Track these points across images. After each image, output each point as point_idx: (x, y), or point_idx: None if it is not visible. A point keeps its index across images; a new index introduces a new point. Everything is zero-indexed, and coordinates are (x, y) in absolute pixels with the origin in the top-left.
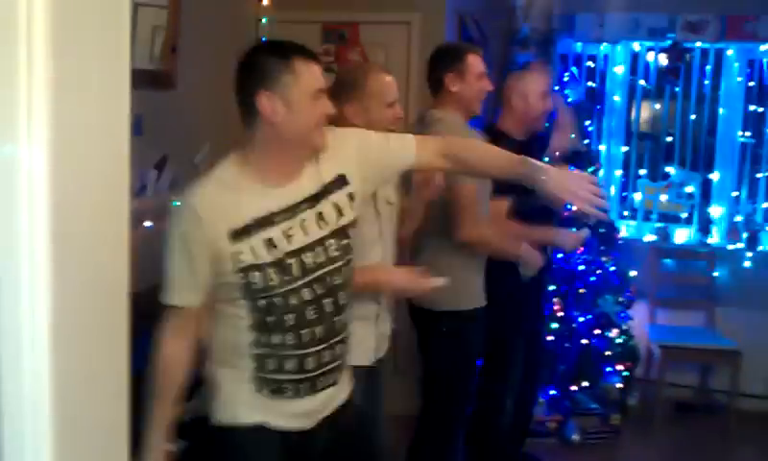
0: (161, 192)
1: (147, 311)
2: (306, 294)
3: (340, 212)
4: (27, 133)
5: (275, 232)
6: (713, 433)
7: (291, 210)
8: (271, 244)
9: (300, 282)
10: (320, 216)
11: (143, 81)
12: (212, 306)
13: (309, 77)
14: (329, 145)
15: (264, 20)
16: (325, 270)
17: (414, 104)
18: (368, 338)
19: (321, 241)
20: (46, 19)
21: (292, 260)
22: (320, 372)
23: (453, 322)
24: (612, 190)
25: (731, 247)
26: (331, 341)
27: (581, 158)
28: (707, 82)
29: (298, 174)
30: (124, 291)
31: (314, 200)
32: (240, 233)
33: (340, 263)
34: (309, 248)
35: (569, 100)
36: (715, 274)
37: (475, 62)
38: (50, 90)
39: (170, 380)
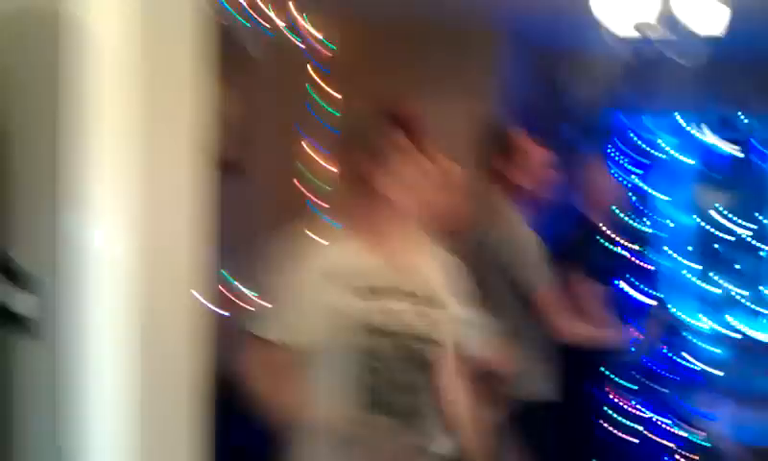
0: None
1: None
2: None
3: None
4: (116, 229)
5: (393, 303)
6: None
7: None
8: (391, 314)
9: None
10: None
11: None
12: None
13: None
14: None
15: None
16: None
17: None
18: None
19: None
20: (135, 125)
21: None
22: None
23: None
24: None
25: None
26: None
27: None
28: None
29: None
30: (203, 383)
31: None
32: (371, 293)
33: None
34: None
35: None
36: None
37: (537, 151)
38: (139, 187)
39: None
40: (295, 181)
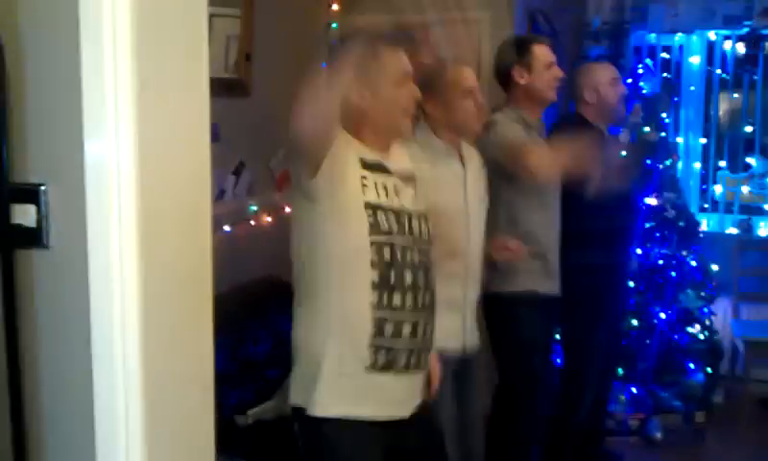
0: (240, 197)
1: (231, 312)
2: (416, 256)
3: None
4: (115, 136)
5: (389, 183)
6: None
7: (395, 175)
8: (386, 191)
9: (411, 241)
10: (413, 195)
11: (219, 89)
12: (330, 286)
13: (393, 64)
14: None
15: (335, 26)
16: (425, 245)
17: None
18: (454, 324)
19: (420, 215)
20: (130, 29)
21: (405, 217)
22: (425, 343)
23: (505, 305)
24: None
25: None
26: (431, 313)
27: (658, 150)
28: None
29: (390, 150)
30: (208, 288)
31: (409, 178)
32: (367, 165)
33: (430, 246)
34: (414, 215)
35: (644, 92)
36: None
37: (541, 52)
38: (135, 95)
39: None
40: None
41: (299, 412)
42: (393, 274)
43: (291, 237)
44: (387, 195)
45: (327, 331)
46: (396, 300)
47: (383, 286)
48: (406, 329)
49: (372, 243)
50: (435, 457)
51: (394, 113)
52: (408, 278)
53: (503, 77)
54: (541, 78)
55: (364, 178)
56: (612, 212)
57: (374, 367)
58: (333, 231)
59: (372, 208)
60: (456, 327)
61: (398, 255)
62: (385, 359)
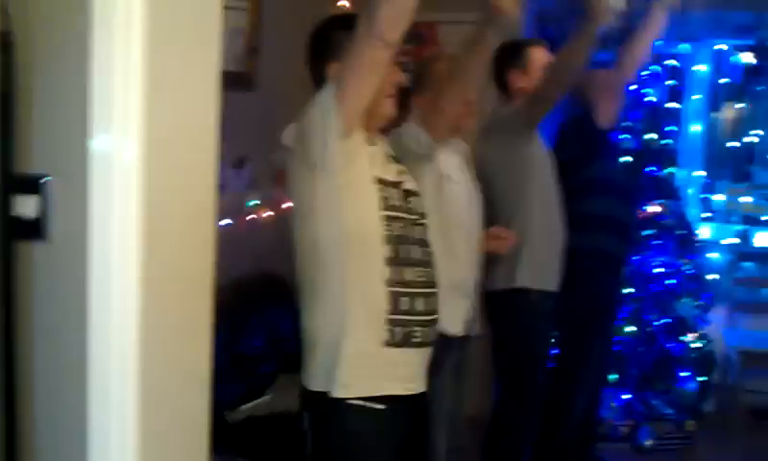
0: (239, 191)
1: (225, 306)
2: (417, 233)
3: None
4: (123, 130)
5: (386, 159)
6: None
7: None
8: (387, 167)
9: (414, 217)
10: (403, 172)
11: (224, 82)
12: (345, 264)
13: None
14: None
15: None
16: (424, 221)
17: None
18: (460, 307)
19: (414, 192)
20: (143, 24)
21: (403, 193)
22: (435, 317)
23: (511, 300)
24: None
25: None
26: (435, 289)
27: (660, 157)
28: None
29: (375, 137)
30: (209, 285)
31: (395, 159)
32: (370, 143)
33: (426, 221)
34: (411, 193)
35: (647, 99)
36: None
37: (537, 55)
38: (145, 91)
39: None
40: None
41: (317, 397)
42: (402, 249)
43: (294, 224)
44: (388, 170)
45: (344, 312)
46: (408, 275)
47: (395, 262)
48: (419, 304)
49: (382, 218)
50: (423, 438)
51: (377, 98)
52: (414, 253)
53: (499, 81)
54: (537, 81)
55: (370, 155)
56: (614, 207)
57: (392, 343)
58: (348, 204)
59: (381, 182)
60: (461, 311)
61: (405, 231)
62: (402, 334)
